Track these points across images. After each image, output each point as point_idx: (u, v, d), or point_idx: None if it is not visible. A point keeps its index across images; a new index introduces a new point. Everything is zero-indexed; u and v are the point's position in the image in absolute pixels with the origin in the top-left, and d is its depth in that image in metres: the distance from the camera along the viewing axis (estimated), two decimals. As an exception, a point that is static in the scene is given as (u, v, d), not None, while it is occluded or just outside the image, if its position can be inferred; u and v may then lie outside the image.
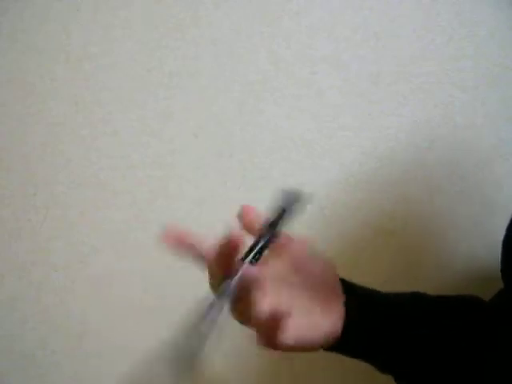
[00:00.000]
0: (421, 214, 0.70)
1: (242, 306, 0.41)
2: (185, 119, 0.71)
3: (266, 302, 0.40)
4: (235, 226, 0.43)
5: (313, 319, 0.44)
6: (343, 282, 0.48)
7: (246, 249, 0.42)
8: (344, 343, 0.46)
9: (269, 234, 0.43)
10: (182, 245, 0.43)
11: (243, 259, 0.41)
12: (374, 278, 0.71)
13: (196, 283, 0.72)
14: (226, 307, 0.41)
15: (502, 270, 0.51)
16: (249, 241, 0.43)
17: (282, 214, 0.45)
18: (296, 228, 0.70)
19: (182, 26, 0.70)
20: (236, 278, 0.40)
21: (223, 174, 0.71)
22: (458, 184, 0.69)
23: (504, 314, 0.49)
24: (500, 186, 0.69)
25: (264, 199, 0.70)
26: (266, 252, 0.43)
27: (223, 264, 0.40)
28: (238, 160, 0.71)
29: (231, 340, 0.71)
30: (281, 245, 0.45)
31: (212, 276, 0.42)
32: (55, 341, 0.73)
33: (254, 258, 0.42)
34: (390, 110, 0.69)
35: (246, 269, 0.40)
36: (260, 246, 0.43)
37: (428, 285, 0.70)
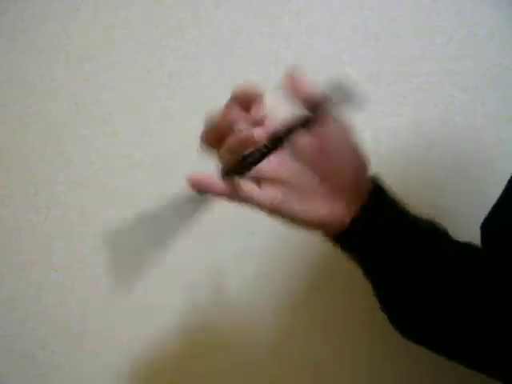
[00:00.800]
0: (421, 214, 0.69)
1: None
2: (185, 119, 0.71)
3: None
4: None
5: (309, 198, 0.45)
6: (376, 184, 0.48)
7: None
8: (343, 238, 0.46)
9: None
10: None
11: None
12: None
13: (196, 283, 0.73)
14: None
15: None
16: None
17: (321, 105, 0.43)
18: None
19: (182, 26, 0.70)
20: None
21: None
22: (458, 184, 0.69)
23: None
24: (500, 186, 0.69)
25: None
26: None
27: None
28: (238, 160, 0.71)
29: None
30: (321, 123, 0.44)
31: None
32: (55, 341, 0.73)
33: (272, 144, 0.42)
34: (390, 109, 0.69)
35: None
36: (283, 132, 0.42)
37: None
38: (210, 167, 0.71)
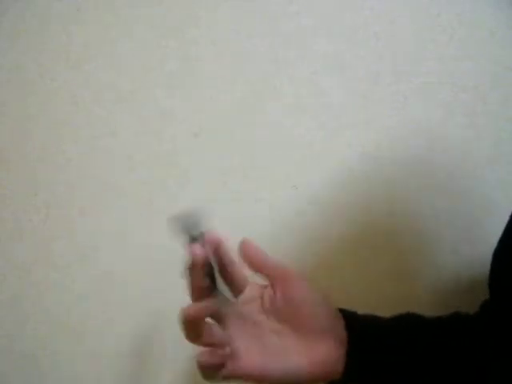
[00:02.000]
0: (421, 214, 0.70)
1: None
2: (185, 119, 0.71)
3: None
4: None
5: (287, 358, 0.45)
6: (345, 315, 0.48)
7: None
8: (345, 379, 0.47)
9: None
10: None
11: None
12: (374, 278, 0.71)
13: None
14: None
15: (490, 280, 0.52)
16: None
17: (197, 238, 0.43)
18: (296, 228, 0.70)
19: (183, 26, 0.70)
20: None
21: (223, 174, 0.71)
22: (458, 184, 0.69)
23: (493, 326, 0.49)
24: (500, 186, 0.69)
25: (264, 199, 0.71)
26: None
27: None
28: (238, 160, 0.71)
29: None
30: (280, 278, 0.46)
31: None
32: (55, 341, 0.73)
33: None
34: (390, 110, 0.69)
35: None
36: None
37: (428, 285, 0.71)
38: (209, 167, 0.71)
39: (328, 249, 0.70)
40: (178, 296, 0.71)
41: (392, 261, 0.71)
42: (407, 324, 0.51)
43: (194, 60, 0.71)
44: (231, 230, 0.69)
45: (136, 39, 0.71)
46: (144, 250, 0.72)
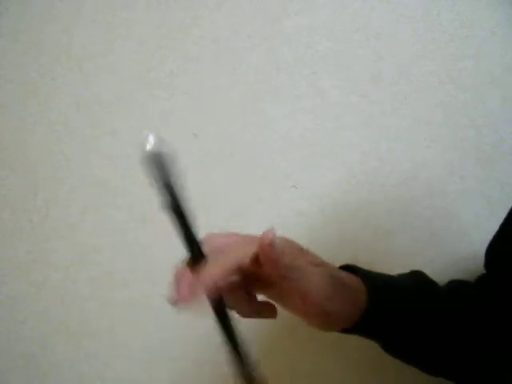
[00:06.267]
0: (421, 214, 0.70)
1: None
2: (185, 119, 0.71)
3: None
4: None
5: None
6: (358, 270, 0.49)
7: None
8: (360, 326, 0.47)
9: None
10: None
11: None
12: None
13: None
14: None
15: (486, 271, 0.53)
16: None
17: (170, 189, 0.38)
18: (297, 227, 0.70)
19: (183, 26, 0.70)
20: None
21: (223, 173, 0.71)
22: (458, 184, 0.69)
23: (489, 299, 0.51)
24: (500, 186, 0.69)
25: (264, 199, 0.71)
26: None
27: None
28: (238, 160, 0.71)
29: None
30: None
31: None
32: (55, 341, 0.73)
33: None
34: (390, 109, 0.69)
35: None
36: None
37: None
38: (209, 166, 0.71)
39: (328, 249, 0.70)
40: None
41: (391, 261, 0.71)
42: (420, 287, 0.52)
43: (193, 60, 0.71)
44: (230, 230, 0.70)
45: (136, 39, 0.71)
46: (144, 250, 0.72)
